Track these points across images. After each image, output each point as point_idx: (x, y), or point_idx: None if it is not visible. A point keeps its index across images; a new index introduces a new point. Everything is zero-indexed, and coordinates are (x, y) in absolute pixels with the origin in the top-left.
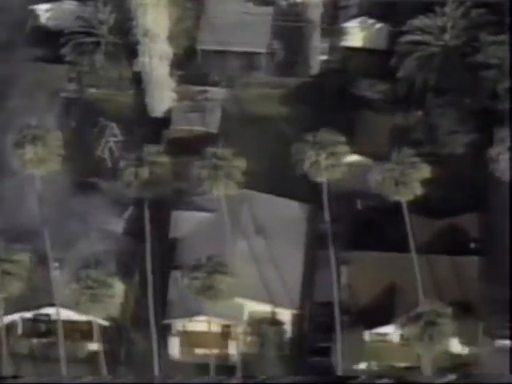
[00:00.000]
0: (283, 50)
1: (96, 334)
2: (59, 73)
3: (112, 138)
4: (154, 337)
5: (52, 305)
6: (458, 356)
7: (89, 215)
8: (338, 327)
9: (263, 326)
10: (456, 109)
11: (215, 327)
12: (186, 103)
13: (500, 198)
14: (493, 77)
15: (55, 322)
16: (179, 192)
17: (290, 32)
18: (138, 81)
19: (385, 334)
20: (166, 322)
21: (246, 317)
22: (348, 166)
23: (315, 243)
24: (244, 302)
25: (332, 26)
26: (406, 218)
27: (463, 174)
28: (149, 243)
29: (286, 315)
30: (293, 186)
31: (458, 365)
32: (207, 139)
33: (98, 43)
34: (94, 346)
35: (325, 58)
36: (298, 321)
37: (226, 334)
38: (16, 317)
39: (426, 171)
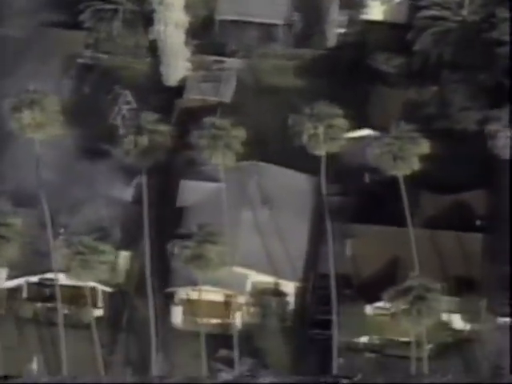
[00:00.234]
0: (301, 22)
1: (100, 299)
2: (76, 39)
3: (125, 105)
4: (151, 304)
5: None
6: (460, 332)
7: (97, 181)
8: (334, 300)
9: (266, 297)
10: (469, 85)
11: (218, 297)
12: (200, 73)
13: (503, 176)
14: (507, 54)
15: (60, 286)
16: (189, 162)
17: (309, 4)
18: (154, 49)
19: (386, 308)
20: (168, 290)
21: (248, 287)
22: (355, 140)
23: (321, 216)
24: (247, 272)
25: None
26: (403, 193)
27: (473, 151)
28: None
29: (289, 287)
30: (303, 158)
31: (459, 341)
32: (219, 109)
33: (115, 10)
34: (97, 312)
35: (343, 30)
36: (300, 292)
37: (228, 304)
38: (21, 281)
39: (425, 146)
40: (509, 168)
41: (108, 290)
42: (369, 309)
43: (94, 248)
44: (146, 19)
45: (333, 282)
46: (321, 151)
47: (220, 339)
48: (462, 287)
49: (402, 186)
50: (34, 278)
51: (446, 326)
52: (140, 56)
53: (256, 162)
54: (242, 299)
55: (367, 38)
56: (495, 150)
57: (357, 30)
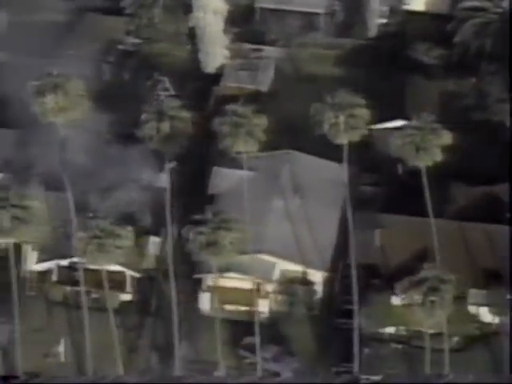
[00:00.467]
0: (343, 12)
1: (128, 284)
2: (117, 25)
3: (163, 91)
4: (174, 291)
5: None
6: (488, 325)
7: (130, 166)
8: (355, 290)
9: (294, 286)
10: (507, 77)
11: (246, 284)
12: (238, 61)
13: None
14: None
15: (89, 270)
16: (222, 149)
17: None
18: (194, 36)
19: (414, 299)
20: (196, 276)
21: (276, 275)
22: (389, 131)
23: (352, 206)
24: (275, 260)
25: None
26: (425, 184)
27: (507, 143)
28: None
29: (317, 276)
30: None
31: (487, 333)
32: (256, 97)
33: None
34: (126, 297)
35: (384, 21)
36: (328, 282)
37: (256, 292)
38: (52, 264)
39: (446, 138)
40: None
41: (135, 274)
42: (396, 299)
43: (110, 232)
44: (186, 6)
45: (354, 272)
46: (342, 140)
47: (246, 326)
48: (490, 280)
49: (425, 177)
50: (64, 262)
51: (473, 319)
52: (180, 43)
53: (289, 150)
54: (269, 287)
55: (408, 29)
56: None
57: (398, 20)
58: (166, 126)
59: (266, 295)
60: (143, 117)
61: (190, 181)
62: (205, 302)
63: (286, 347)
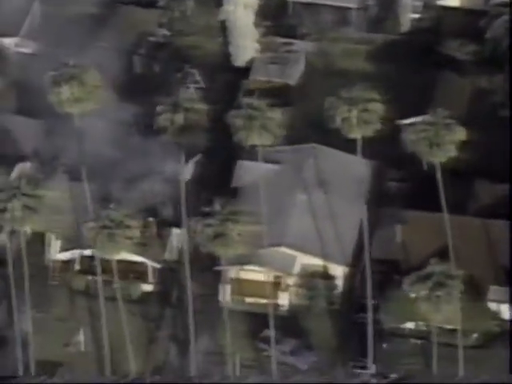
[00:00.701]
0: (375, 6)
1: (150, 275)
2: (150, 17)
3: (193, 84)
4: (189, 285)
5: None
6: (508, 322)
7: (154, 158)
8: (368, 284)
9: (314, 280)
10: None
11: (267, 277)
12: (268, 54)
13: None
14: None
15: (111, 260)
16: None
17: None
18: (225, 29)
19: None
20: (217, 268)
21: (297, 269)
22: None
23: (376, 201)
24: (296, 254)
25: None
26: (439, 180)
27: None
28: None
29: (338, 270)
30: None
31: (507, 331)
32: (284, 91)
33: None
34: (147, 287)
35: (417, 16)
36: (349, 276)
37: (276, 285)
38: (75, 253)
39: (461, 134)
40: None
41: (157, 265)
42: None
43: (120, 222)
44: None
45: (368, 266)
46: (356, 135)
47: (266, 319)
48: (511, 277)
49: (439, 173)
50: (87, 252)
51: (494, 316)
52: (211, 36)
53: (314, 144)
54: (290, 280)
55: (441, 24)
56: None
57: (431, 15)
58: (180, 118)
59: (286, 288)
60: (158, 108)
61: (214, 173)
62: (225, 294)
63: (304, 341)
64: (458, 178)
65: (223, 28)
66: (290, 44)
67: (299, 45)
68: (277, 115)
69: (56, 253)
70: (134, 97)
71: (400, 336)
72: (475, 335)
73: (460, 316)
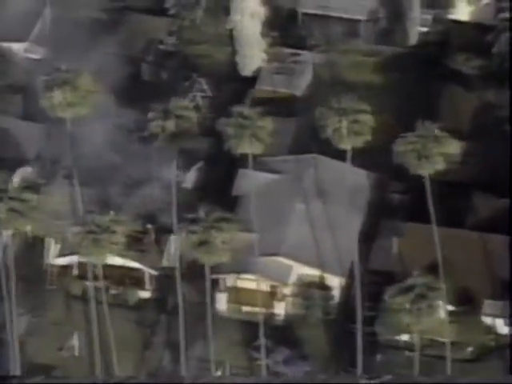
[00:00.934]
0: (385, 19)
1: (147, 282)
2: (159, 25)
3: (200, 93)
4: (180, 292)
5: None
6: (503, 336)
7: (155, 165)
8: (358, 295)
9: (311, 290)
10: None
11: (264, 286)
12: (275, 64)
13: None
14: None
15: (109, 266)
16: None
17: (392, 0)
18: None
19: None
20: (214, 276)
21: (293, 279)
22: None
23: (375, 213)
24: (292, 263)
25: None
26: (428, 192)
27: None
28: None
29: (334, 281)
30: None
31: (502, 345)
32: (290, 101)
33: None
34: (144, 294)
35: (425, 29)
36: (346, 287)
37: (273, 294)
38: (74, 259)
39: (451, 147)
40: None
41: (154, 272)
42: None
43: (106, 228)
44: (228, 8)
45: (358, 279)
46: (345, 145)
47: (261, 328)
48: (507, 291)
49: (428, 186)
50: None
51: (489, 330)
52: (220, 45)
53: (314, 154)
54: (286, 290)
55: (449, 38)
56: None
57: (440, 29)
58: (170, 125)
59: (283, 298)
60: (150, 115)
61: (216, 181)
62: (222, 302)
63: (299, 350)
64: (460, 190)
65: (231, 37)
66: (298, 55)
67: (306, 56)
68: (267, 124)
69: (54, 257)
70: (137, 103)
71: (394, 348)
72: (470, 349)
73: (451, 329)
